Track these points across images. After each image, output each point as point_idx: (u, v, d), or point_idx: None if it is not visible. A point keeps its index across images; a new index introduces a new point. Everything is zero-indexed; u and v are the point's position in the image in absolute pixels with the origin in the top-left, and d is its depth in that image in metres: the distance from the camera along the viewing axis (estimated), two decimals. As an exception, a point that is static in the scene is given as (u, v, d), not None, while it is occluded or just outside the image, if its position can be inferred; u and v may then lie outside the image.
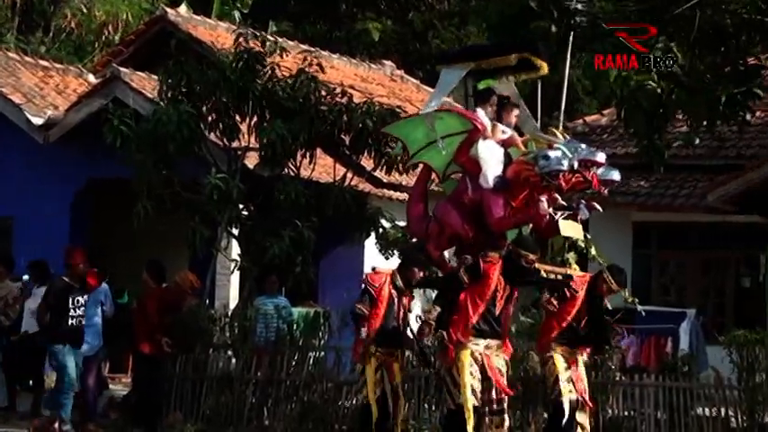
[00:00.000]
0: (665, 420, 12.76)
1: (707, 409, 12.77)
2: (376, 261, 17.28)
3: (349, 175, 15.86)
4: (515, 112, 11.24)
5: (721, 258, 18.79)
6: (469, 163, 10.80)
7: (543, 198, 10.48)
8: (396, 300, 11.10)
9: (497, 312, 10.58)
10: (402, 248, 12.24)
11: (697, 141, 16.56)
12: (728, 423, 12.58)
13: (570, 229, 10.77)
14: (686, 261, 19.14)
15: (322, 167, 16.15)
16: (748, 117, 14.94)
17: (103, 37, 27.76)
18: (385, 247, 15.97)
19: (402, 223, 16.32)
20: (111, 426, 14.01)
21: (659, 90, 14.11)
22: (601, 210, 10.75)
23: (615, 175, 10.75)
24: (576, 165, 10.41)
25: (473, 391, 10.36)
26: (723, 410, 12.61)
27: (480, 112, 11.05)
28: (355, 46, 28.75)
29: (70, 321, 13.19)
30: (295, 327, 14.60)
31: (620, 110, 14.36)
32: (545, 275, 10.84)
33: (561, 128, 20.56)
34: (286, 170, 15.27)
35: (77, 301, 13.25)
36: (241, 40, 15.17)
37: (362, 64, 24.04)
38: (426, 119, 10.98)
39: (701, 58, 14.37)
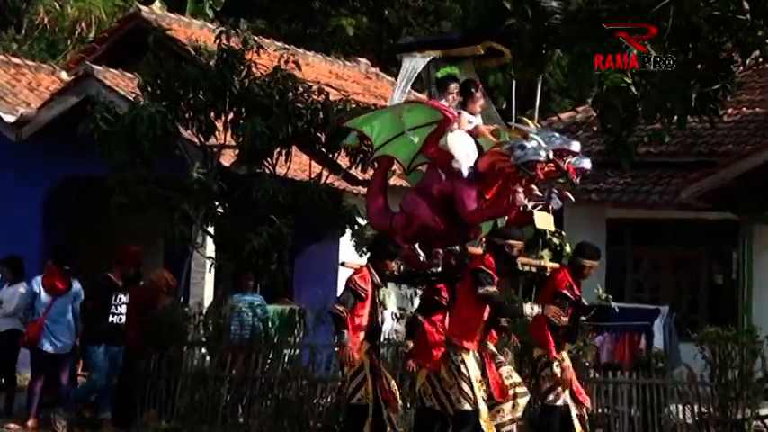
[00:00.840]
0: (638, 417, 12.84)
1: (680, 406, 12.86)
2: (350, 258, 17.36)
3: (325, 172, 15.90)
4: (480, 101, 11.03)
5: (694, 255, 18.92)
6: (439, 154, 10.62)
7: (519, 189, 10.39)
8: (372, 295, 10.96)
9: None
10: (371, 241, 12.05)
11: (667, 139, 16.66)
12: (702, 419, 12.67)
13: (543, 221, 10.69)
14: (660, 258, 19.26)
15: (297, 165, 16.19)
16: (720, 113, 15.11)
17: (76, 34, 27.66)
18: (361, 244, 16.02)
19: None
20: (86, 423, 13.98)
21: (633, 88, 14.22)
22: (573, 199, 10.67)
23: (586, 164, 10.60)
24: (551, 155, 10.30)
25: (482, 396, 10.27)
26: (696, 407, 12.71)
27: (443, 102, 10.81)
28: (330, 43, 28.74)
29: (111, 319, 13.22)
30: (270, 324, 14.62)
31: (596, 108, 14.44)
32: (521, 267, 10.84)
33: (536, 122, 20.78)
34: (262, 168, 15.30)
35: (119, 299, 13.30)
36: (223, 37, 15.21)
37: (337, 61, 24.08)
38: (393, 111, 10.82)
39: (674, 56, 14.46)
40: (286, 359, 14.02)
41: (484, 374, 10.39)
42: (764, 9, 13.20)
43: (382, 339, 14.40)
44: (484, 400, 10.25)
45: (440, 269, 10.88)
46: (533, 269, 11.01)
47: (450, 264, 10.82)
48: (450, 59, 11.19)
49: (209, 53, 15.32)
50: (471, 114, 10.98)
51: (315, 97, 15.25)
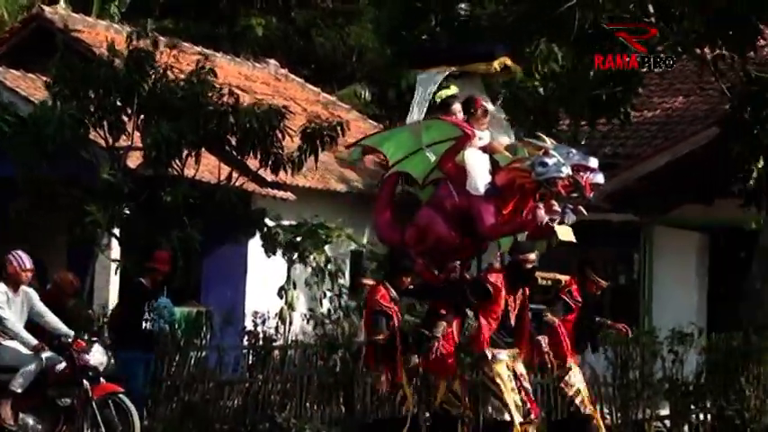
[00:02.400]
0: (542, 418, 12.99)
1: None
2: (260, 261, 17.34)
3: (234, 174, 15.87)
4: (483, 119, 10.90)
5: (600, 257, 19.15)
6: (455, 170, 10.60)
7: (540, 205, 10.34)
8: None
9: (512, 324, 10.51)
10: (386, 257, 11.90)
11: (583, 141, 16.89)
12: (603, 419, 12.86)
13: (565, 234, 10.69)
14: (569, 259, 19.45)
15: (206, 167, 16.12)
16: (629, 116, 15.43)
17: (-23, 34, 27.18)
18: (270, 247, 16.01)
19: (287, 222, 16.43)
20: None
21: (541, 90, 14.41)
22: (585, 213, 10.54)
23: (600, 179, 10.57)
24: (569, 171, 10.31)
25: (516, 406, 10.29)
26: (598, 407, 12.90)
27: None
28: (239, 44, 28.63)
29: (144, 325, 12.93)
30: (177, 326, 14.55)
31: (506, 108, 14.59)
32: (540, 281, 10.93)
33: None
34: (170, 170, 15.22)
35: (152, 305, 13.00)
36: (133, 37, 15.12)
37: (246, 63, 24.02)
38: (412, 129, 10.75)
39: (581, 58, 14.68)
40: (192, 361, 13.97)
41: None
42: (668, 13, 13.47)
43: (289, 341, 14.52)
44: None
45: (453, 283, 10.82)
46: (549, 282, 11.05)
47: (465, 278, 10.81)
48: (459, 75, 11.05)
49: (117, 55, 15.21)
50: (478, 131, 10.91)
51: (225, 100, 15.23)
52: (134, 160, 15.75)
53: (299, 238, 16.19)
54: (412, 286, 10.84)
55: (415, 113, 10.79)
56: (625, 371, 12.85)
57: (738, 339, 12.28)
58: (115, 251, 16.21)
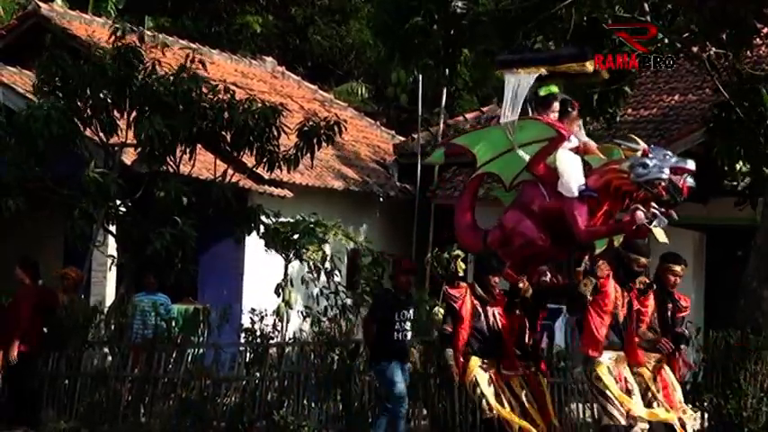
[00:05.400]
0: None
1: (581, 405, 13.00)
2: (257, 258, 17.32)
3: (229, 171, 15.83)
4: (578, 120, 10.79)
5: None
6: (546, 171, 10.38)
7: (640, 207, 10.07)
8: (481, 310, 10.55)
9: (621, 320, 10.24)
10: (478, 257, 11.77)
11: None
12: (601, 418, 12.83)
13: (662, 235, 10.47)
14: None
15: (202, 164, 16.08)
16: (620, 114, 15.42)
17: (-26, 31, 27.14)
18: (270, 243, 16.00)
19: (284, 219, 16.41)
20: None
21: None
22: (676, 217, 10.25)
23: (692, 181, 10.30)
24: (669, 173, 10.09)
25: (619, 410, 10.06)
26: (596, 406, 12.86)
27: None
28: (236, 41, 28.62)
29: (396, 336, 12.26)
30: (174, 324, 14.52)
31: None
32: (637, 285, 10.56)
33: (443, 123, 20.90)
34: (165, 167, 15.17)
35: (403, 314, 12.32)
36: (118, 34, 15.06)
37: (243, 60, 23.99)
38: (506, 128, 10.52)
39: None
40: (189, 358, 13.94)
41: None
42: (660, 12, 13.45)
43: (287, 338, 14.50)
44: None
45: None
46: (642, 286, 10.83)
47: (556, 283, 10.68)
48: (551, 75, 10.77)
49: (106, 50, 15.16)
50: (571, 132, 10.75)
51: (220, 96, 15.18)
52: (129, 157, 15.71)
53: (296, 236, 16.17)
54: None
55: (508, 113, 10.52)
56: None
57: (736, 337, 12.25)
58: (111, 247, 16.17)
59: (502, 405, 10.34)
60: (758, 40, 15.60)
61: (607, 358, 10.13)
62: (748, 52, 15.45)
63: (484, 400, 10.32)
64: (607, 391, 10.06)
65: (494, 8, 14.67)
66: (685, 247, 17.75)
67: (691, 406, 11.14)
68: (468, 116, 21.52)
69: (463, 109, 25.20)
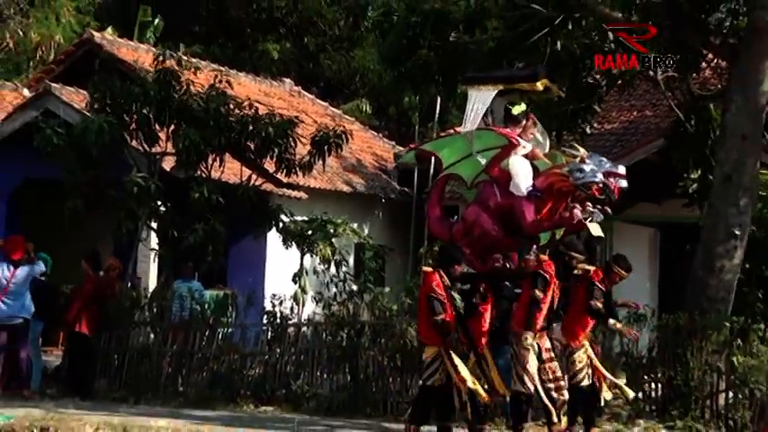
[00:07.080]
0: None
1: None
2: (277, 251, 17.37)
3: (253, 176, 15.88)
4: (531, 129, 10.90)
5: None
6: (501, 173, 10.64)
7: (577, 205, 10.37)
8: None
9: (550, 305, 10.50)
10: (440, 250, 11.78)
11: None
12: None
13: (596, 229, 10.74)
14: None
15: (230, 170, 16.14)
16: (587, 129, 15.45)
17: (38, 56, 27.18)
18: (287, 239, 16.05)
19: (299, 218, 16.45)
20: (47, 395, 13.74)
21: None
22: (611, 213, 10.59)
23: (624, 183, 10.57)
24: (602, 176, 10.35)
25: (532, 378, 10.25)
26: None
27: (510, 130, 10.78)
28: (259, 65, 28.66)
29: None
30: (206, 307, 14.56)
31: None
32: (576, 272, 10.85)
33: (436, 135, 20.92)
34: (199, 172, 15.25)
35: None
36: (160, 59, 15.14)
37: (265, 81, 24.00)
38: (466, 137, 10.78)
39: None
40: (220, 336, 13.97)
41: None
42: (621, 43, 13.52)
43: (303, 320, 14.54)
44: None
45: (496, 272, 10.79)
46: (581, 272, 10.96)
47: (506, 268, 10.80)
48: (507, 92, 10.95)
49: (148, 73, 15.23)
50: (526, 141, 10.91)
51: (246, 111, 15.24)
52: (168, 164, 15.77)
53: (310, 232, 16.23)
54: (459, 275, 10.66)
55: (469, 124, 10.72)
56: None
57: (684, 319, 12.28)
58: (154, 242, 16.22)
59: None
60: (704, 64, 15.65)
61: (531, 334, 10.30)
62: (695, 74, 15.51)
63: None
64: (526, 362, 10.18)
65: (484, 37, 14.76)
66: (642, 242, 17.87)
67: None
68: (458, 129, 21.46)
69: (453, 123, 25.19)
